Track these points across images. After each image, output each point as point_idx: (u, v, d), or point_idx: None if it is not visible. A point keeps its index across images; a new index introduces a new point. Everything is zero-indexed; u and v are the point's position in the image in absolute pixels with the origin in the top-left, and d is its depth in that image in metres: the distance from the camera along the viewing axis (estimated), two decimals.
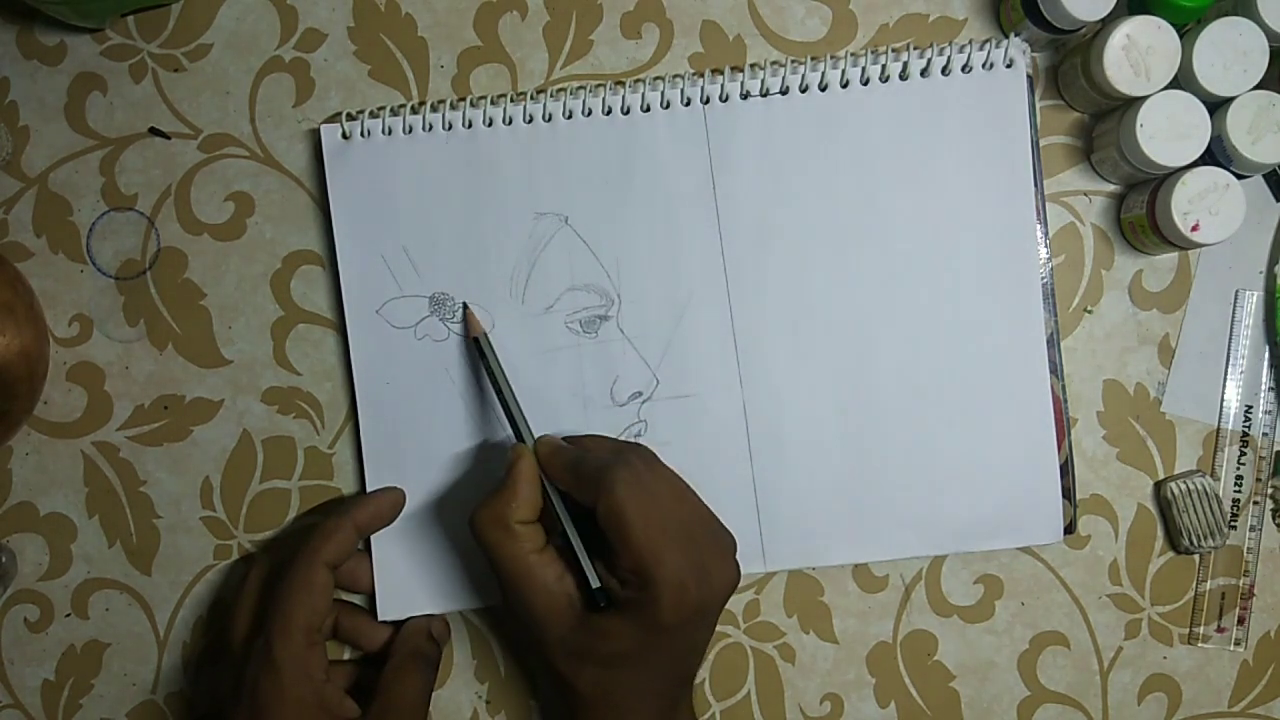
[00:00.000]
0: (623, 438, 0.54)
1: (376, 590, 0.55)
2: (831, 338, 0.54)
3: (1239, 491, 0.55)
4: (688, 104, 0.54)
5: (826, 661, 0.56)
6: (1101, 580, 0.56)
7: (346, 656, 0.56)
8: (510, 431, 0.52)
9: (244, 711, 0.49)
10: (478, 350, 0.53)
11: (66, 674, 0.57)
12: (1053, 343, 0.54)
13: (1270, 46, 0.50)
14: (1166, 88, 0.50)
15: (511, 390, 0.52)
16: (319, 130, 0.55)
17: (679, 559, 0.45)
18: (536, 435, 0.51)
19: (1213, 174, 0.50)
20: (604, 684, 0.47)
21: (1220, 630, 0.55)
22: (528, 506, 0.48)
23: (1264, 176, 0.55)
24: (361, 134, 0.55)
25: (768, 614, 0.56)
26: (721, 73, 0.54)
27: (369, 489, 0.55)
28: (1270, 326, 0.55)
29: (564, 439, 0.51)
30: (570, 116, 0.54)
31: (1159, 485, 0.56)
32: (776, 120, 0.54)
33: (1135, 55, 0.50)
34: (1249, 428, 0.55)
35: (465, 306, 0.54)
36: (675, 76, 0.54)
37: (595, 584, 0.47)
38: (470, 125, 0.54)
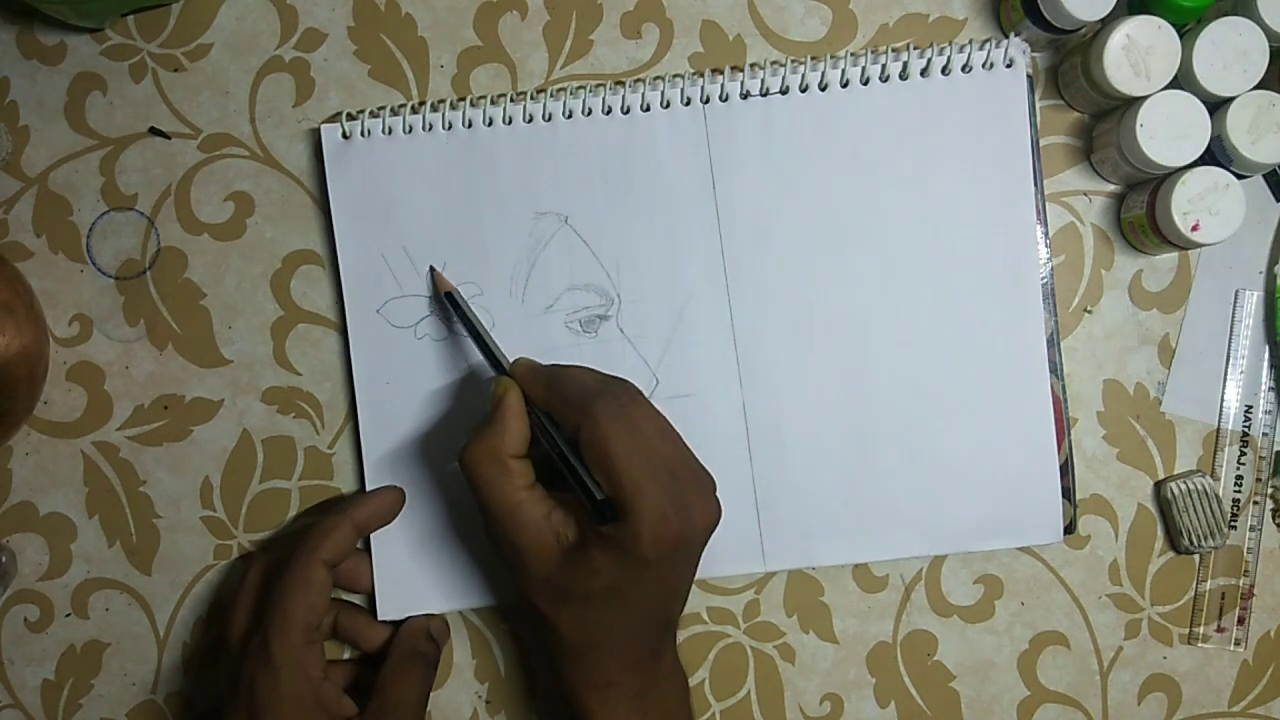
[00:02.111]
0: None
1: (376, 589, 0.55)
2: (831, 338, 0.54)
3: (1239, 491, 0.55)
4: (688, 104, 0.54)
5: (826, 661, 0.56)
6: (1101, 580, 0.56)
7: (346, 656, 0.56)
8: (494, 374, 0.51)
9: (241, 710, 0.49)
10: (451, 304, 0.52)
11: (66, 674, 0.57)
12: (1053, 343, 0.54)
13: (1270, 46, 0.50)
14: (1166, 88, 0.50)
15: (489, 333, 0.52)
16: (319, 130, 0.55)
17: (659, 491, 0.44)
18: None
19: (1213, 174, 0.50)
20: (585, 623, 0.47)
21: (1220, 630, 0.55)
22: (518, 439, 0.47)
23: (1264, 176, 0.55)
24: (361, 134, 0.55)
25: (768, 614, 0.56)
26: (721, 72, 0.54)
27: (369, 489, 0.55)
28: (1270, 326, 0.55)
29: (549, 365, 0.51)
30: (570, 116, 0.54)
31: (1159, 485, 0.56)
32: (776, 120, 0.54)
33: (1135, 55, 0.50)
34: (1249, 428, 0.55)
35: (431, 269, 0.54)
36: (675, 76, 0.54)
37: (600, 495, 0.45)
38: (470, 125, 0.54)
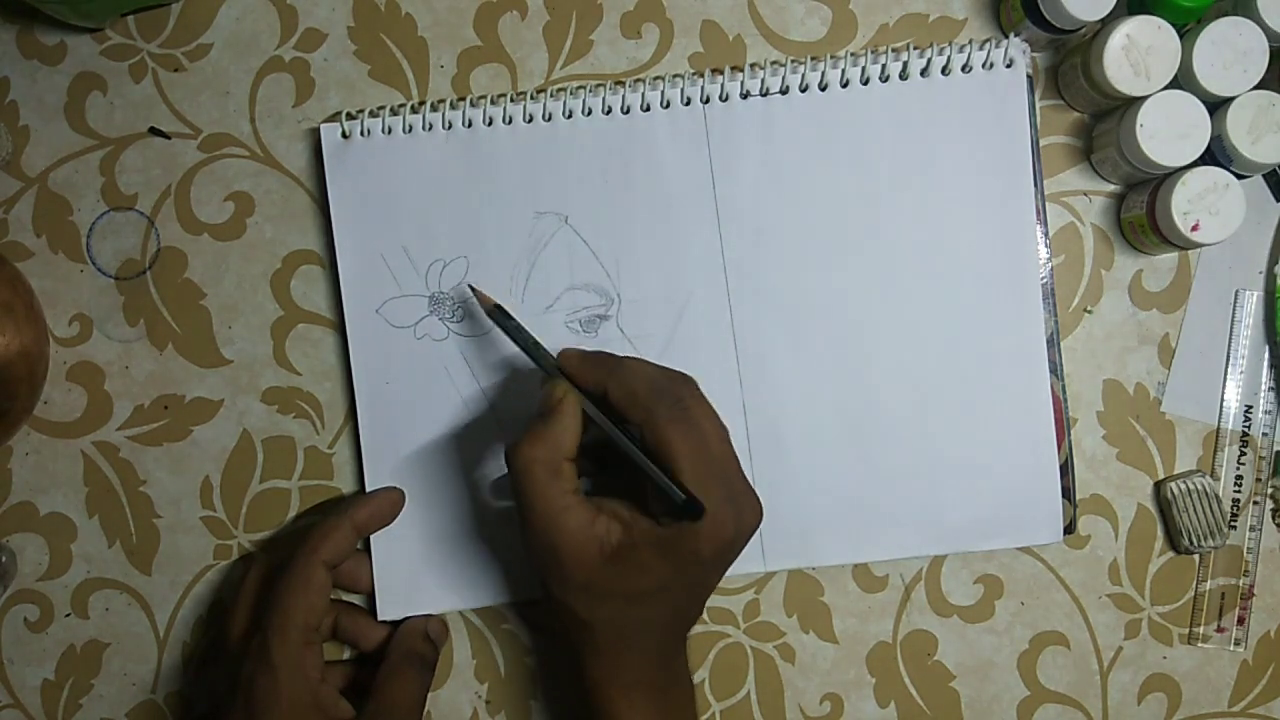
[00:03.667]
0: None
1: (376, 590, 0.55)
2: (831, 337, 0.54)
3: (1239, 491, 0.55)
4: (688, 104, 0.54)
5: (826, 661, 0.56)
6: (1101, 580, 0.56)
7: (345, 656, 0.56)
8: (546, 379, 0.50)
9: (239, 710, 0.49)
10: (502, 316, 0.51)
11: (66, 674, 0.57)
12: (1053, 343, 0.54)
13: (1270, 46, 0.50)
14: (1166, 88, 0.50)
15: (537, 340, 0.50)
16: (319, 130, 0.55)
17: (720, 496, 0.45)
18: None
19: (1213, 174, 0.50)
20: (623, 622, 0.47)
21: (1220, 630, 0.55)
22: (572, 442, 0.47)
23: (1264, 176, 0.55)
24: (361, 134, 0.55)
25: (768, 614, 0.56)
26: (721, 72, 0.54)
27: (369, 489, 0.55)
28: (1270, 326, 0.55)
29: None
30: (570, 116, 0.54)
31: (1159, 485, 0.56)
32: (776, 120, 0.54)
33: (1135, 55, 0.50)
34: (1249, 428, 0.55)
35: (471, 288, 0.53)
36: (675, 76, 0.54)
37: (682, 499, 0.44)
38: (470, 125, 0.54)
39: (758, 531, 0.54)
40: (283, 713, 0.48)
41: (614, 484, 0.48)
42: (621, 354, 0.54)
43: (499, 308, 0.51)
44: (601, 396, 0.47)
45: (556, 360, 0.50)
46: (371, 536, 0.54)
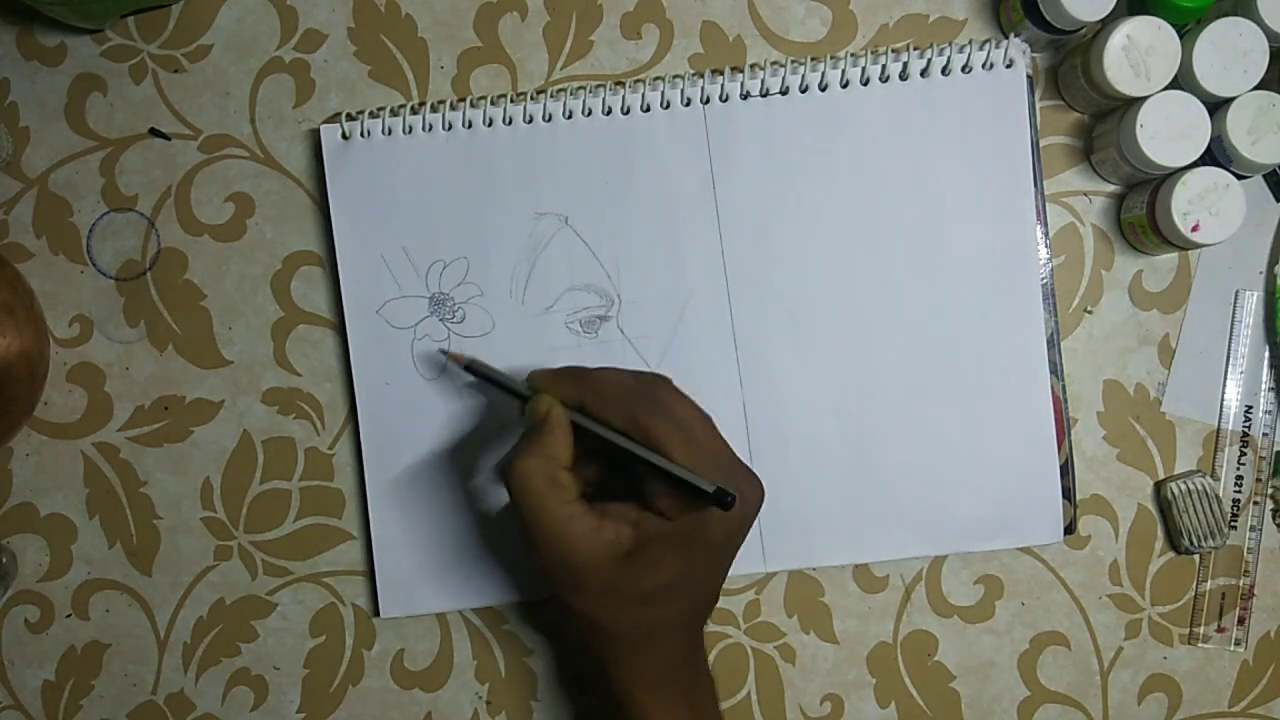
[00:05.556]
0: None
1: (377, 590, 0.55)
2: (831, 338, 0.54)
3: (1239, 492, 0.55)
4: (688, 104, 0.54)
5: (827, 662, 0.56)
6: (1102, 580, 0.56)
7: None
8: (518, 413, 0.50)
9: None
10: (480, 367, 0.52)
11: (67, 675, 0.57)
12: (1053, 343, 0.54)
13: (1270, 46, 0.50)
14: (1166, 88, 0.50)
15: (509, 378, 0.51)
16: (319, 131, 0.55)
17: (719, 478, 0.44)
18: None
19: (1213, 174, 0.50)
20: (645, 622, 0.47)
21: (1220, 630, 0.55)
22: (566, 452, 0.46)
23: (1264, 176, 0.55)
24: (361, 134, 0.55)
25: (768, 614, 0.56)
26: (721, 73, 0.54)
27: (369, 489, 0.55)
28: (1270, 326, 0.55)
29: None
30: (570, 117, 0.54)
31: (1159, 485, 0.56)
32: (776, 120, 0.54)
33: (1135, 55, 0.50)
34: (1249, 428, 0.55)
35: (445, 353, 0.54)
36: (675, 77, 0.54)
37: (711, 489, 0.44)
38: (470, 126, 0.54)
39: (758, 533, 0.54)
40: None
41: (612, 488, 0.48)
42: (621, 351, 0.54)
43: (474, 361, 0.52)
44: (579, 409, 0.47)
45: (520, 383, 0.50)
46: (372, 536, 0.55)
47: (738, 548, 0.48)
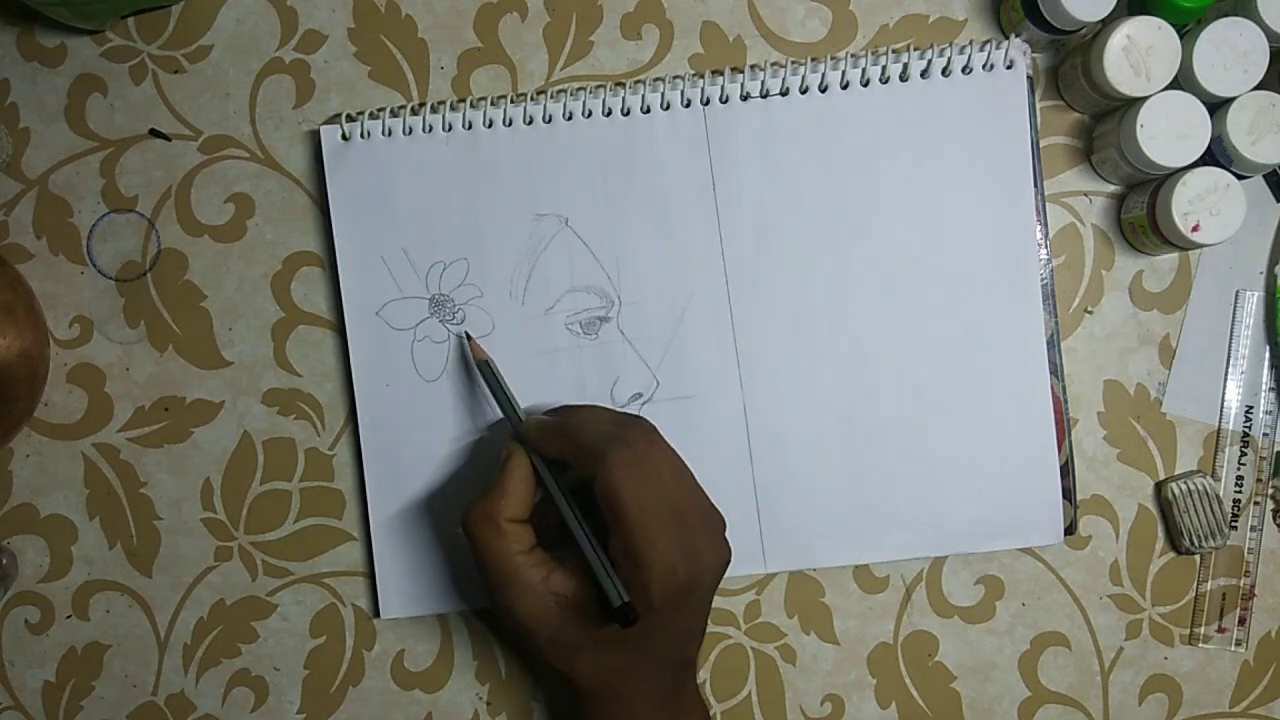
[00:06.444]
0: None
1: (378, 590, 0.55)
2: (832, 338, 0.54)
3: (1239, 492, 0.55)
4: (688, 105, 0.54)
5: (827, 662, 0.56)
6: (1102, 581, 0.56)
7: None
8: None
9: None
10: (488, 372, 0.52)
11: (67, 676, 0.57)
12: (1053, 343, 0.54)
13: (1270, 46, 0.50)
14: (1166, 88, 0.50)
15: (515, 399, 0.52)
16: (319, 131, 0.55)
17: (671, 542, 0.44)
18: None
19: (1213, 174, 0.50)
20: (601, 671, 0.47)
21: (1221, 631, 0.55)
22: (517, 504, 0.48)
23: (1264, 176, 0.55)
24: (361, 135, 0.55)
25: (768, 615, 0.56)
26: (721, 74, 0.54)
27: (369, 490, 0.55)
28: (1270, 326, 0.55)
29: (560, 408, 0.51)
30: (570, 118, 0.54)
31: (1159, 486, 0.56)
32: (776, 121, 0.54)
33: (1135, 55, 0.50)
34: (1249, 428, 0.55)
35: (467, 336, 0.54)
36: (675, 78, 0.54)
37: (617, 601, 0.45)
38: (470, 126, 0.54)
39: (758, 533, 0.54)
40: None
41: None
42: (621, 352, 0.54)
43: (488, 364, 0.52)
44: (561, 462, 0.48)
45: (520, 417, 0.51)
46: (372, 536, 0.55)
47: (692, 609, 0.48)
